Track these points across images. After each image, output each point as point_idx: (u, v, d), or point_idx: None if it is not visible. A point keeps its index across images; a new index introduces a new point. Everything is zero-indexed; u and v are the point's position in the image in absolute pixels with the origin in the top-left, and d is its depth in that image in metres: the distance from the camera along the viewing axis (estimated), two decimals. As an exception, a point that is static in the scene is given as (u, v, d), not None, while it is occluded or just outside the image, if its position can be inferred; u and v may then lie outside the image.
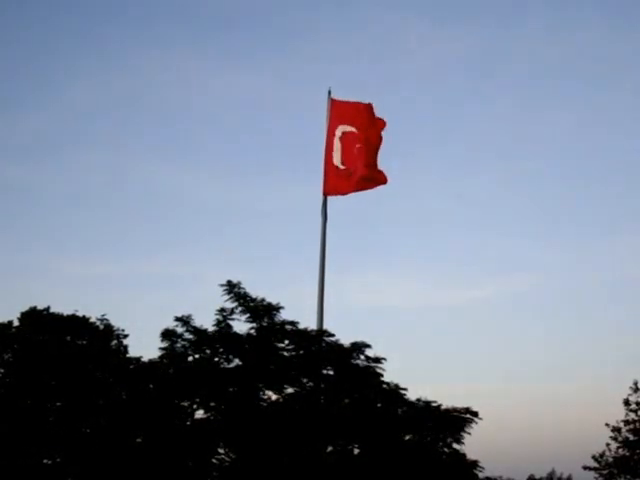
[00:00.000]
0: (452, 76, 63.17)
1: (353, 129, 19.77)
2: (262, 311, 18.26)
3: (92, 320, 21.72)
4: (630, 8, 61.37)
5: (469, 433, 17.89)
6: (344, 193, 19.59)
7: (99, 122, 60.06)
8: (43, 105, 59.50)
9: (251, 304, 18.33)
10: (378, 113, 19.95)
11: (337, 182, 19.48)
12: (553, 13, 62.61)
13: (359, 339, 18.09)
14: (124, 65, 61.21)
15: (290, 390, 17.67)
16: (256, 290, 18.56)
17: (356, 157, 19.49)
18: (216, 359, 18.12)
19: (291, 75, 61.01)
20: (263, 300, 18.37)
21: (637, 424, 26.75)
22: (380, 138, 19.62)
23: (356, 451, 17.71)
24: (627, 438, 26.78)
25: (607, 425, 27.04)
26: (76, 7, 60.43)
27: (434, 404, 17.96)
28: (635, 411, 26.97)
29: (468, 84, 63.51)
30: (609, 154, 62.87)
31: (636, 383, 27.27)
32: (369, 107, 19.96)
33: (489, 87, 63.58)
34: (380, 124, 19.81)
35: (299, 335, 18.06)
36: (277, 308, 18.30)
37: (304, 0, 63.03)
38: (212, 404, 17.70)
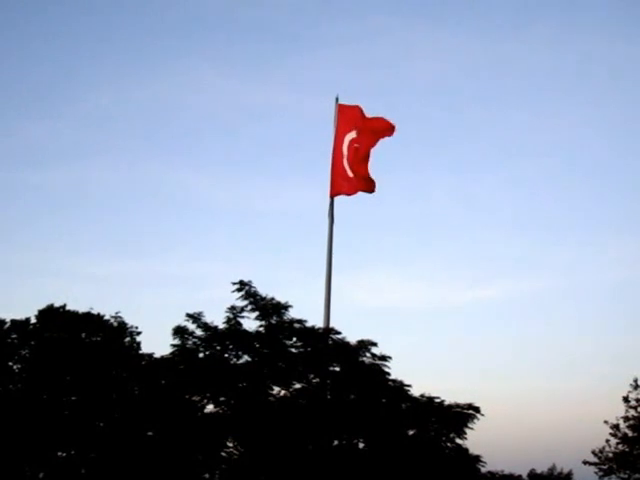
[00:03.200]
0: (458, 82, 63.37)
1: (356, 133, 20.15)
2: (271, 309, 18.64)
3: (106, 318, 22.01)
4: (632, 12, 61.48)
5: (472, 428, 18.29)
6: (349, 193, 19.95)
7: (117, 128, 60.76)
8: (65, 115, 60.22)
9: (261, 303, 18.71)
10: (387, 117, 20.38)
11: (344, 184, 19.83)
12: (557, 21, 62.87)
13: (365, 338, 18.49)
14: (141, 74, 61.87)
15: (297, 386, 18.04)
16: (265, 289, 19.00)
17: (359, 159, 19.91)
18: (226, 355, 18.51)
19: (302, 82, 61.46)
20: (272, 299, 18.75)
21: (636, 420, 27.02)
22: (373, 143, 19.99)
23: (361, 445, 18.07)
24: (626, 434, 27.05)
25: (606, 422, 27.37)
26: (96, 19, 61.10)
27: (437, 400, 18.32)
28: (635, 408, 27.23)
29: (474, 90, 63.72)
30: (610, 158, 62.99)
31: (636, 380, 27.50)
32: (386, 122, 20.28)
33: (494, 93, 63.76)
34: (385, 126, 20.12)
35: (306, 333, 18.41)
36: (285, 307, 18.68)
37: (314, 10, 63.31)
38: (222, 399, 18.09)
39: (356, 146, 19.91)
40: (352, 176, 19.77)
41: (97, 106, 59.66)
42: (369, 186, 19.70)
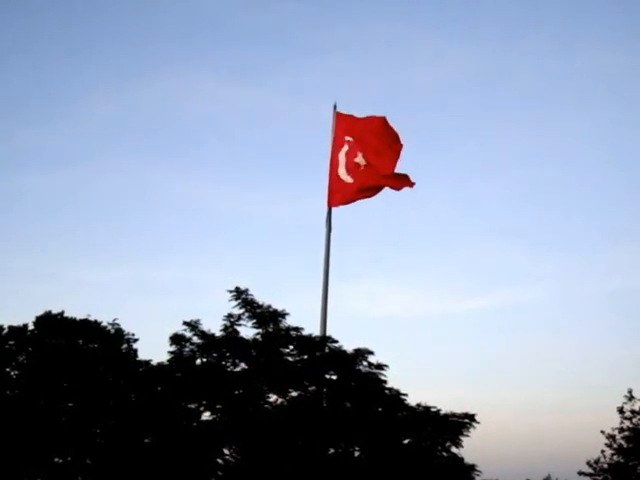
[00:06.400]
0: (458, 89, 63.58)
1: (355, 141, 20.29)
2: (268, 317, 18.76)
3: (103, 324, 22.00)
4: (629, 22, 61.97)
5: (468, 435, 18.35)
6: (347, 202, 20.08)
7: (113, 133, 60.89)
8: (64, 119, 60.48)
9: (257, 310, 18.83)
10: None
11: (341, 194, 19.95)
12: (558, 30, 63.38)
13: (362, 346, 18.58)
14: (138, 78, 62.08)
15: (294, 394, 18.13)
16: (263, 297, 19.10)
17: (358, 169, 20.03)
18: (223, 363, 18.63)
19: (301, 89, 61.65)
20: (269, 307, 18.87)
21: (631, 432, 27.09)
22: (391, 148, 20.07)
23: (357, 454, 18.15)
24: (621, 445, 27.14)
25: (602, 432, 27.42)
26: (93, 24, 61.51)
27: (433, 409, 18.38)
28: (630, 419, 27.33)
29: (473, 97, 63.91)
30: (607, 169, 63.28)
31: (631, 392, 27.60)
32: (378, 120, 20.45)
33: (493, 101, 64.01)
34: (378, 124, 20.29)
35: (303, 341, 18.53)
36: (282, 315, 18.80)
37: (313, 16, 63.59)
38: (218, 406, 18.19)
39: (361, 164, 20.02)
40: (351, 184, 19.88)
41: (94, 110, 59.82)
42: (394, 184, 19.72)
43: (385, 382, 18.55)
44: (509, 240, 60.75)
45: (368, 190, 19.94)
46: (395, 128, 20.14)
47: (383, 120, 20.25)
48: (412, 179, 19.62)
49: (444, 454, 18.37)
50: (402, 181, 19.66)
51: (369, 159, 20.00)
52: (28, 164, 59.12)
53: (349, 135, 20.36)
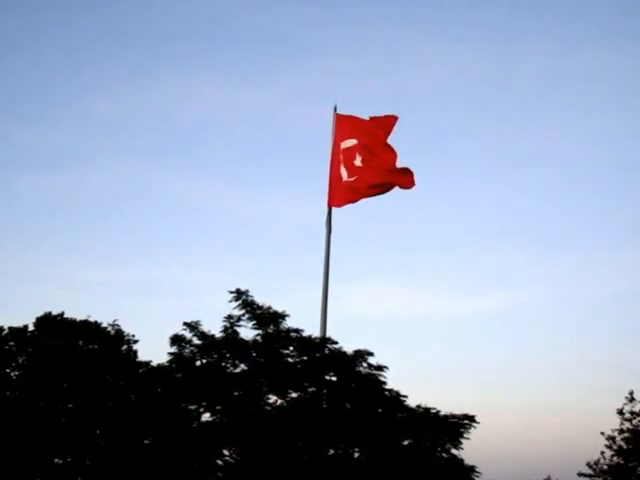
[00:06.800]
0: (457, 91, 63.62)
1: (356, 141, 20.33)
2: (268, 318, 18.78)
3: (104, 325, 22.13)
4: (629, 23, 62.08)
5: (468, 438, 18.35)
6: (352, 201, 20.09)
7: (114, 133, 60.95)
8: (63, 119, 60.50)
9: (258, 312, 18.86)
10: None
11: (342, 194, 19.97)
12: (559, 29, 63.49)
13: (361, 347, 18.58)
14: (141, 81, 62.14)
15: (294, 395, 18.14)
16: (263, 298, 19.13)
17: (360, 168, 20.08)
18: (223, 364, 18.63)
19: (301, 90, 61.74)
20: (269, 308, 18.90)
21: (631, 433, 27.11)
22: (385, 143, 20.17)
23: (357, 455, 18.17)
24: (621, 446, 27.16)
25: (602, 434, 27.46)
26: (93, 24, 61.56)
27: (433, 410, 18.38)
28: (629, 420, 27.37)
29: (473, 99, 63.95)
30: (610, 170, 63.28)
31: (632, 393, 27.62)
32: (373, 120, 20.52)
33: (493, 102, 64.02)
34: (389, 123, 20.36)
35: (303, 342, 18.54)
36: (282, 316, 18.82)
37: (313, 18, 63.65)
38: (218, 407, 18.20)
39: (357, 165, 20.06)
40: (349, 180, 19.92)
41: (93, 110, 59.88)
42: (400, 181, 19.75)
43: (385, 383, 18.57)
44: (509, 240, 60.81)
45: (375, 187, 19.98)
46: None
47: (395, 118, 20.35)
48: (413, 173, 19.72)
49: (444, 455, 18.37)
50: (408, 178, 19.69)
51: (377, 153, 20.03)
52: (27, 164, 59.24)
53: (350, 137, 20.40)
